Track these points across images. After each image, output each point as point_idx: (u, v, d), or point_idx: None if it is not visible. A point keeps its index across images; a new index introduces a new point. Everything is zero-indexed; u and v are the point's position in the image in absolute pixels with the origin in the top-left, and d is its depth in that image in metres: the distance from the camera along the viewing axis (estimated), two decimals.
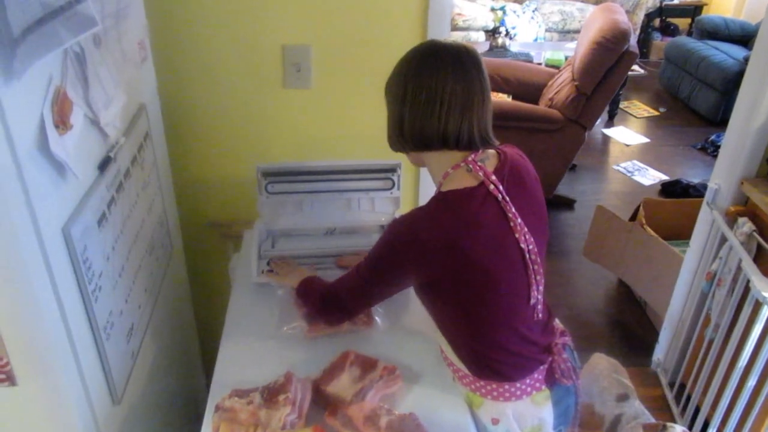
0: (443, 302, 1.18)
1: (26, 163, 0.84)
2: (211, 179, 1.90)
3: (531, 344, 1.21)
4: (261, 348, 1.33)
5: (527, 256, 1.14)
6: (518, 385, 1.20)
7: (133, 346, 1.27)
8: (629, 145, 4.75)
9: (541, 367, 1.22)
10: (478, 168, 1.13)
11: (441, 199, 1.13)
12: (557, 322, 1.33)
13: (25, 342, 0.92)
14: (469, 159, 1.14)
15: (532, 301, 1.18)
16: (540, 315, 1.22)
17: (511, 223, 1.13)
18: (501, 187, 1.13)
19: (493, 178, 1.13)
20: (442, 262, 1.10)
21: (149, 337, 1.39)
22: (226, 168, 1.88)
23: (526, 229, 1.14)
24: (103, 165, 1.12)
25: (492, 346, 1.18)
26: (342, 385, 1.18)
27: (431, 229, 1.10)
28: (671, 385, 2.40)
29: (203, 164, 1.88)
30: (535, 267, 1.16)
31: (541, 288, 1.19)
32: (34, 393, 0.97)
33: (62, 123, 0.95)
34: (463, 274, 1.11)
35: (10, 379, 0.93)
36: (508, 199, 1.13)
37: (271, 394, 1.12)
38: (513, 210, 1.13)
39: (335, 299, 1.28)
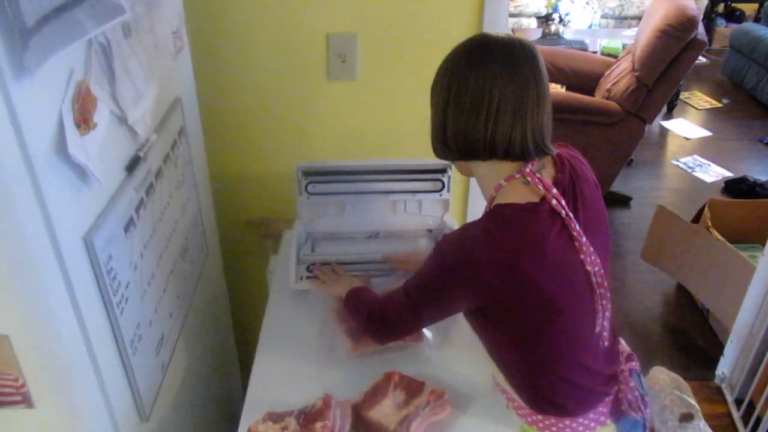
0: (496, 330, 1.05)
1: (42, 168, 0.76)
2: (251, 176, 1.81)
3: (594, 375, 1.07)
4: (298, 364, 1.23)
5: (593, 279, 1.01)
6: (580, 420, 1.07)
7: (163, 358, 1.20)
8: (689, 139, 4.48)
9: (606, 399, 1.09)
10: (537, 181, 0.99)
11: (498, 214, 1.00)
12: (623, 344, 1.20)
13: (41, 361, 0.85)
14: (526, 170, 1.00)
15: (597, 328, 1.05)
16: (606, 342, 1.09)
17: (576, 243, 0.99)
18: (563, 202, 0.99)
19: (555, 191, 0.99)
20: (498, 286, 0.97)
21: (181, 347, 1.31)
22: (267, 164, 1.79)
23: (591, 249, 1.00)
24: (132, 165, 1.04)
25: (550, 378, 1.05)
26: (384, 411, 1.08)
27: (487, 249, 0.96)
28: (738, 402, 2.22)
29: (242, 160, 1.79)
30: (602, 291, 1.03)
31: (607, 314, 1.06)
32: (53, 415, 0.89)
33: (84, 122, 0.86)
34: (522, 302, 0.98)
35: (26, 401, 0.86)
36: (571, 215, 0.99)
37: (308, 420, 1.02)
38: (577, 227, 0.99)
39: (382, 317, 1.16)
